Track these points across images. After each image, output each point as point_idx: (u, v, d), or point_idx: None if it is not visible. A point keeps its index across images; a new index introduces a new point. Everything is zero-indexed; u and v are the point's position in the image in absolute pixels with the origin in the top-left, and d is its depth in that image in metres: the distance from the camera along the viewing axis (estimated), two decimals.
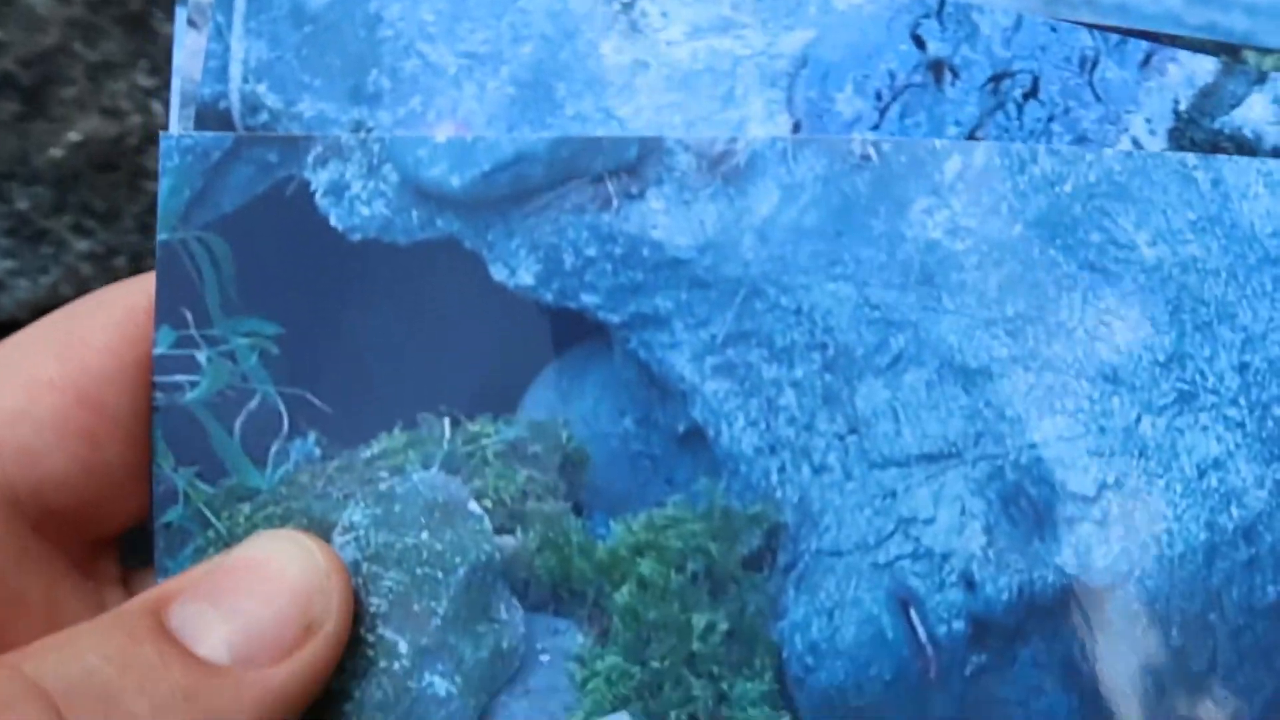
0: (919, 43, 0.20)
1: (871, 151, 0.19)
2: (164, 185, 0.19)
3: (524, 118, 0.19)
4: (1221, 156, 0.19)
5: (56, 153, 0.46)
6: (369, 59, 0.19)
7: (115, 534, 0.19)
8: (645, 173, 0.18)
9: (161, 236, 0.19)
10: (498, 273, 0.18)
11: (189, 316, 0.18)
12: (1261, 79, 0.20)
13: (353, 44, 0.19)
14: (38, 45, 0.43)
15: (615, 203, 0.18)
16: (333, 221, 0.19)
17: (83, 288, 0.50)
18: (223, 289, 0.18)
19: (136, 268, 0.47)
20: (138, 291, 0.19)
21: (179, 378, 0.18)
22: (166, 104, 0.42)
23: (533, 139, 0.19)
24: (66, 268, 0.50)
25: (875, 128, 0.19)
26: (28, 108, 0.44)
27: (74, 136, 0.46)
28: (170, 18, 0.21)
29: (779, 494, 0.18)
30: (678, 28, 0.19)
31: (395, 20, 0.19)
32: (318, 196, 0.19)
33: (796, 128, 0.19)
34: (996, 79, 0.20)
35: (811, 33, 0.20)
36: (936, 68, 0.20)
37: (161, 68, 0.42)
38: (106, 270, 0.48)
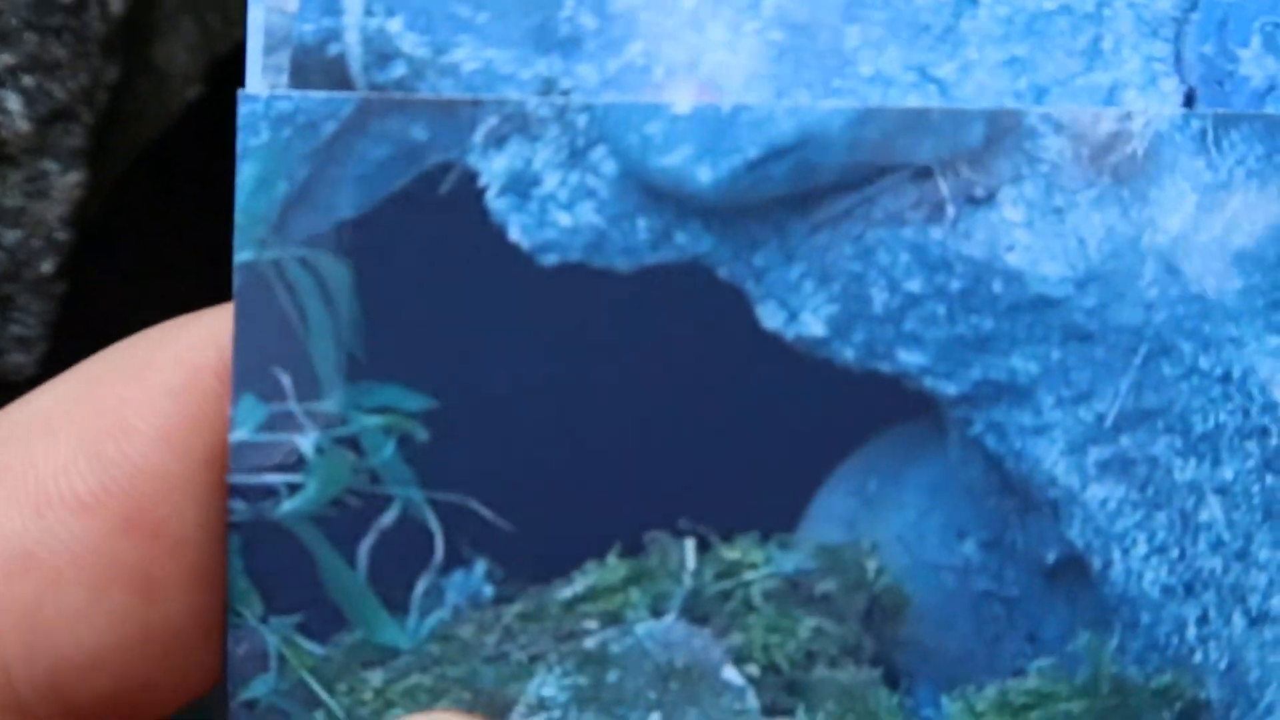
0: None
1: None
2: (245, 173, 0.12)
3: (799, 78, 0.12)
4: None
5: None
6: None
7: None
8: (996, 165, 0.12)
9: (242, 255, 0.12)
10: (769, 317, 0.12)
11: (286, 383, 0.12)
12: None
13: None
14: None
15: (951, 210, 0.12)
16: (514, 235, 0.12)
17: None
18: (339, 339, 0.12)
19: None
20: (206, 341, 0.12)
21: (271, 478, 0.12)
22: (29, 98, 0.32)
23: (823, 109, 0.12)
24: None
25: None
26: None
27: None
28: None
29: (1199, 657, 0.12)
30: None
31: None
32: (490, 196, 0.12)
33: (1189, 99, 0.13)
34: None
35: None
36: None
37: (18, 37, 0.32)
38: None
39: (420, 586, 0.12)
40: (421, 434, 0.12)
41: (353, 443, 0.12)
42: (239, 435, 0.12)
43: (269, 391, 0.12)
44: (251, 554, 0.12)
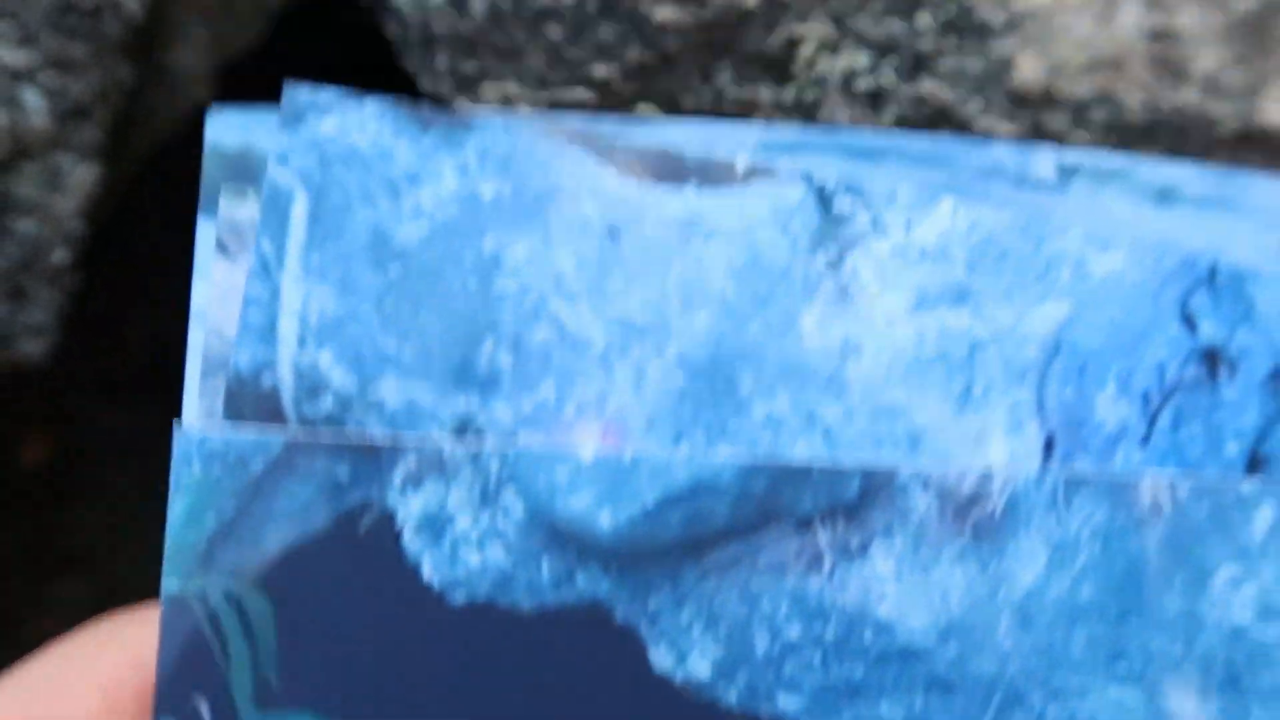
0: (1190, 323, 0.15)
1: (1164, 498, 0.14)
2: (176, 507, 0.13)
3: (697, 419, 0.14)
4: None
5: None
6: (482, 322, 0.13)
7: None
8: (870, 518, 0.13)
9: (169, 588, 0.12)
10: (660, 659, 0.13)
11: (204, 710, 0.12)
12: None
13: (459, 298, 0.13)
14: None
15: (829, 561, 0.13)
16: (426, 574, 0.13)
17: None
18: (257, 671, 0.13)
19: (7, 355, 0.36)
20: (123, 661, 0.13)
21: None
22: (50, 96, 0.33)
23: (716, 462, 0.13)
24: None
25: (1145, 441, 0.15)
26: None
27: None
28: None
29: None
30: (899, 295, 0.14)
31: (521, 266, 0.13)
32: (406, 535, 0.13)
33: (1050, 444, 0.14)
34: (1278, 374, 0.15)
35: (1065, 306, 0.15)
36: (1210, 358, 0.15)
37: (35, 37, 0.33)
38: None
39: None
40: None
41: None
42: None
43: (188, 717, 0.12)
44: None
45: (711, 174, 0.14)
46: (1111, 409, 0.15)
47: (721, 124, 0.15)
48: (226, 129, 0.14)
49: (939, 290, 0.14)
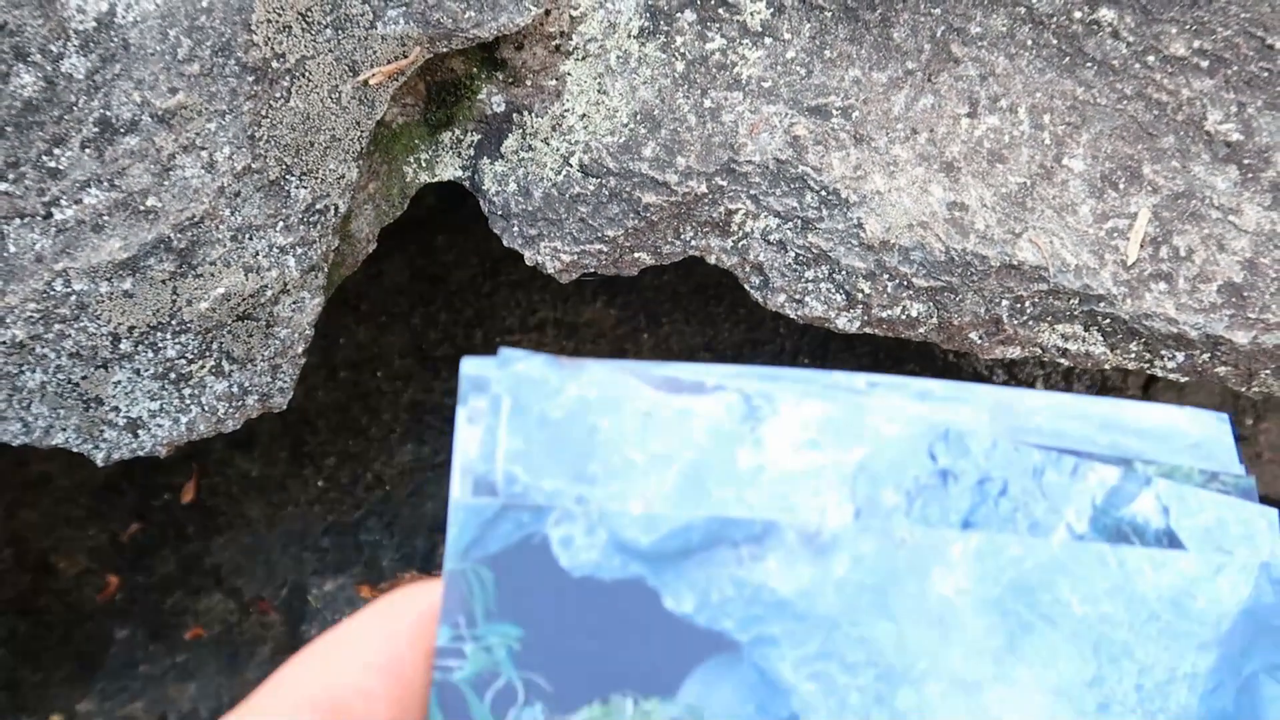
0: (933, 457, 0.31)
1: (907, 536, 0.29)
2: (452, 532, 0.28)
3: (687, 499, 0.29)
4: (1124, 546, 0.30)
5: (203, 305, 0.57)
6: (588, 454, 0.29)
7: None
8: (767, 543, 0.29)
9: (448, 566, 0.28)
10: (668, 603, 0.28)
11: (462, 621, 0.28)
12: (1147, 481, 0.32)
13: (578, 443, 0.29)
14: (191, 212, 0.52)
15: (746, 562, 0.29)
16: (562, 563, 0.28)
17: (218, 425, 0.60)
18: (485, 604, 0.28)
19: (264, 406, 0.59)
20: (427, 599, 0.28)
21: (451, 662, 0.27)
22: (299, 260, 0.57)
23: (694, 516, 0.29)
24: (203, 408, 0.60)
25: (906, 514, 0.30)
26: (180, 267, 0.54)
27: (219, 291, 0.57)
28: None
29: None
30: (785, 443, 0.30)
31: (607, 429, 0.30)
32: (553, 546, 0.28)
33: (858, 514, 0.30)
34: (982, 482, 0.31)
35: (867, 449, 0.31)
36: (944, 474, 0.31)
37: (295, 228, 0.55)
38: (239, 408, 0.58)
39: (511, 714, 0.27)
40: (517, 646, 0.28)
41: (487, 649, 0.28)
42: (440, 642, 0.27)
43: (454, 624, 0.28)
44: (441, 696, 0.27)
45: (694, 388, 0.31)
46: (890, 497, 0.30)
47: (700, 365, 0.32)
48: (470, 365, 0.30)
49: (804, 442, 0.30)
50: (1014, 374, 1.05)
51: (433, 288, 1.11)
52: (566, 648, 0.28)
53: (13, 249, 0.48)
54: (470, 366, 0.30)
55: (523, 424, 0.29)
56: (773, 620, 0.28)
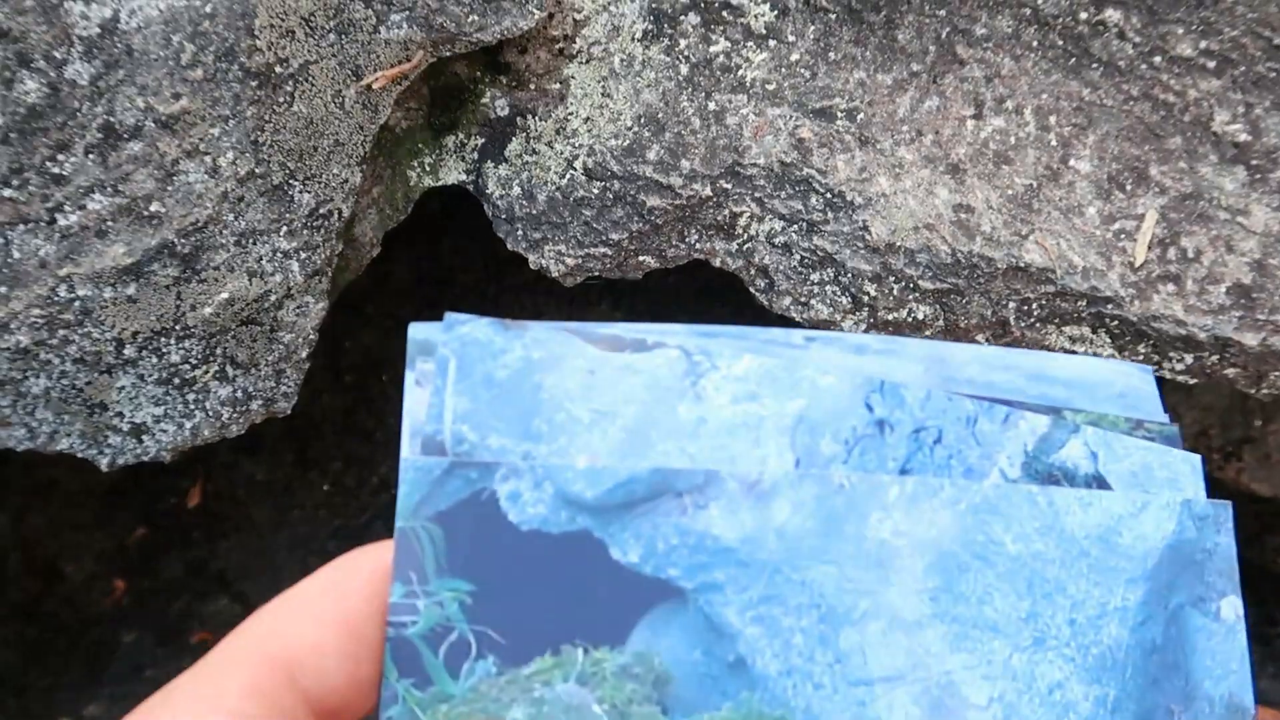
0: (870, 408, 0.32)
1: (846, 482, 0.30)
2: (402, 490, 0.29)
3: (631, 452, 0.30)
4: (1053, 488, 0.31)
5: (207, 310, 0.57)
6: (533, 411, 0.30)
7: None
8: (709, 492, 0.30)
9: (399, 524, 0.29)
10: (615, 554, 0.29)
11: (414, 577, 0.29)
12: (1075, 429, 0.33)
13: (523, 401, 0.30)
14: (195, 217, 0.52)
15: (690, 511, 0.29)
16: (510, 518, 0.29)
17: (222, 430, 0.60)
18: (436, 560, 0.29)
19: (268, 410, 0.60)
20: (380, 557, 0.29)
21: (405, 618, 0.28)
22: (302, 264, 0.58)
23: (637, 469, 0.30)
24: (208, 413, 0.61)
25: (845, 463, 0.31)
26: (183, 272, 0.55)
27: (223, 296, 0.57)
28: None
29: (792, 703, 0.28)
30: (725, 396, 0.31)
31: (551, 387, 0.30)
32: (501, 501, 0.29)
33: (797, 463, 0.31)
34: (917, 431, 0.32)
35: (805, 401, 0.31)
36: (881, 424, 0.32)
37: (297, 232, 0.56)
38: (243, 413, 0.59)
39: (464, 667, 0.28)
40: (469, 601, 0.28)
41: (439, 603, 0.28)
42: (394, 599, 0.28)
43: (406, 580, 0.28)
44: (394, 650, 0.28)
45: (636, 346, 0.31)
46: (829, 446, 0.31)
47: (641, 324, 0.33)
48: (417, 330, 0.31)
49: (744, 394, 0.31)
50: None
51: (438, 291, 1.11)
52: (517, 600, 0.29)
53: (17, 255, 0.49)
54: (417, 331, 0.31)
55: (469, 385, 0.30)
56: (717, 567, 0.29)
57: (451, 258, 1.11)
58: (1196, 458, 0.33)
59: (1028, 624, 0.30)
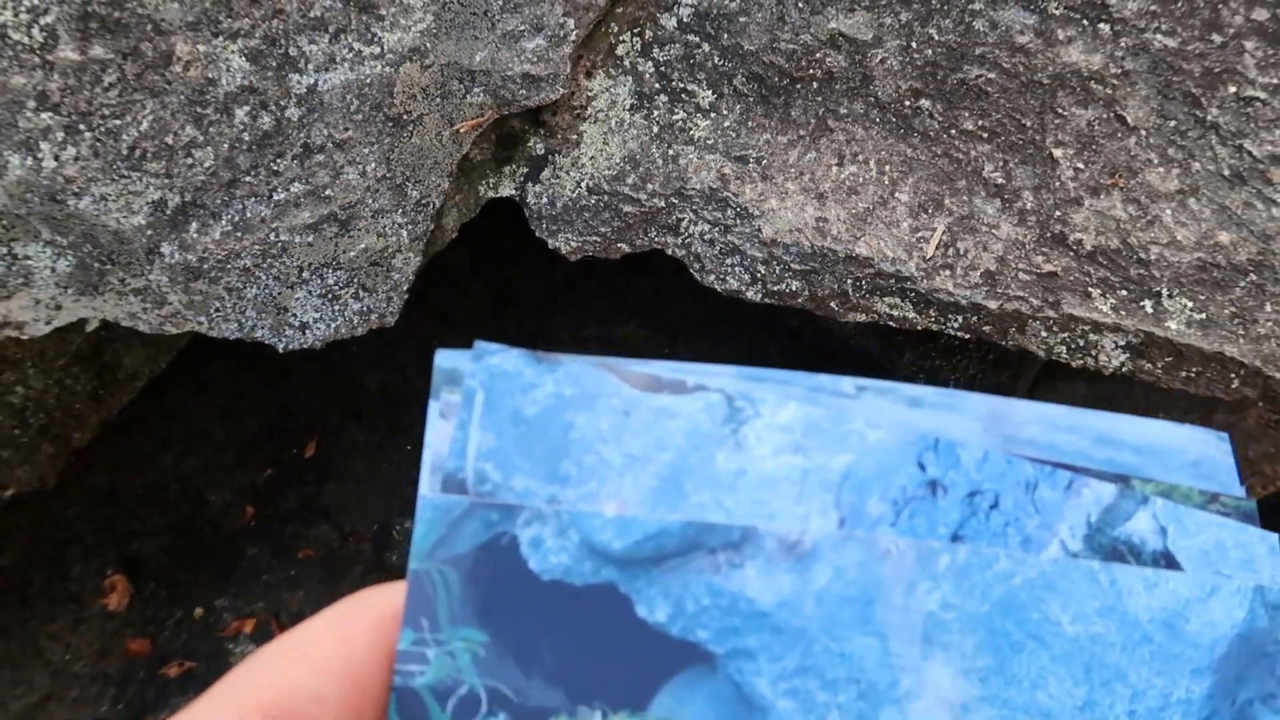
0: (922, 467, 0.30)
1: (893, 547, 0.28)
2: (418, 530, 0.27)
3: (663, 502, 0.28)
4: (1115, 565, 0.29)
5: (351, 254, 0.90)
6: (562, 452, 0.28)
7: None
8: (745, 550, 0.28)
9: (413, 566, 0.27)
10: (641, 611, 0.27)
11: (425, 624, 0.27)
12: (1144, 501, 0.30)
13: (552, 441, 0.28)
14: (349, 199, 0.89)
15: (723, 570, 0.27)
16: (531, 565, 0.27)
17: (352, 331, 0.94)
18: (450, 606, 0.27)
19: (380, 322, 0.94)
20: (389, 601, 0.27)
21: (413, 667, 0.26)
22: (409, 233, 0.90)
23: (669, 520, 0.28)
24: (345, 319, 0.90)
25: (893, 525, 0.29)
26: (340, 231, 0.92)
27: (361, 246, 0.89)
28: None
29: None
30: (767, 447, 0.29)
31: (582, 427, 0.28)
32: (522, 547, 0.27)
33: (842, 523, 0.29)
34: (972, 495, 0.30)
35: (852, 456, 0.29)
36: (933, 485, 0.30)
37: (409, 213, 0.88)
38: (365, 321, 0.92)
39: None
40: (482, 653, 0.27)
41: (451, 654, 0.26)
42: (402, 646, 0.26)
43: (417, 627, 0.26)
44: (400, 702, 0.26)
45: (675, 387, 0.30)
46: (876, 507, 0.29)
47: (682, 363, 0.31)
48: (444, 357, 0.29)
49: (787, 446, 0.29)
50: (892, 342, 1.48)
51: (506, 307, 1.56)
52: (533, 656, 0.27)
53: (249, 215, 0.84)
54: (444, 359, 0.29)
55: (496, 420, 0.28)
56: (750, 632, 0.27)
57: (519, 282, 1.58)
58: (1274, 536, 0.30)
59: (1084, 713, 0.28)
